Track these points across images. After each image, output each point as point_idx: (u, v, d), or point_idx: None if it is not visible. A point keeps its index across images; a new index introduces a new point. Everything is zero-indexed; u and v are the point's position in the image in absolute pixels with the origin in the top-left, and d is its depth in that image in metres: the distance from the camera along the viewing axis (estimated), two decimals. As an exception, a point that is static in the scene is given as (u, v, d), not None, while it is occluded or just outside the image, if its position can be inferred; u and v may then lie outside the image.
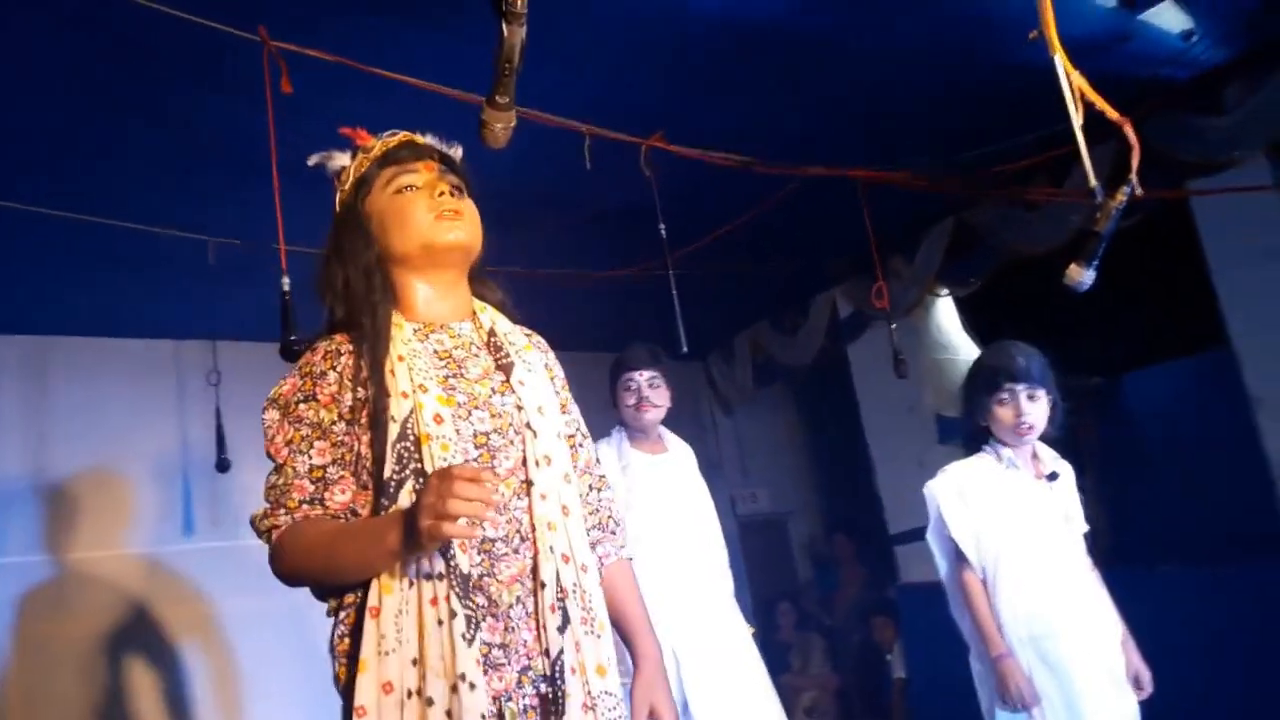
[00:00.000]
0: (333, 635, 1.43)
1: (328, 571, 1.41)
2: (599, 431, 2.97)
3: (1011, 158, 4.05)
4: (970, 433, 2.75)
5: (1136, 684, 2.43)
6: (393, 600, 1.34)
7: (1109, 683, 2.39)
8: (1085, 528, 2.63)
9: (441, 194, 1.52)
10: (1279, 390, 4.04)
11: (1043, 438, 2.69)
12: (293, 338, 2.51)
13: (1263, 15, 3.67)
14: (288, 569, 1.43)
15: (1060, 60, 2.01)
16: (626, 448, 3.23)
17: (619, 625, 1.63)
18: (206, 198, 3.76)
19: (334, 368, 1.47)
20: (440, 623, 1.32)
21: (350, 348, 1.48)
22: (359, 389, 1.43)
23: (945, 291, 5.72)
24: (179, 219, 3.82)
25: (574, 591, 1.44)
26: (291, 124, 2.73)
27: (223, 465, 4.13)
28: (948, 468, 2.70)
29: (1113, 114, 2.03)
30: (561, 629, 1.41)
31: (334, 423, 1.44)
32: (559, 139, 3.17)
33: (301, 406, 1.46)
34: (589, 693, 1.40)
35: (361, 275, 1.51)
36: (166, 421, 4.85)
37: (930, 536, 2.69)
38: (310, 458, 1.44)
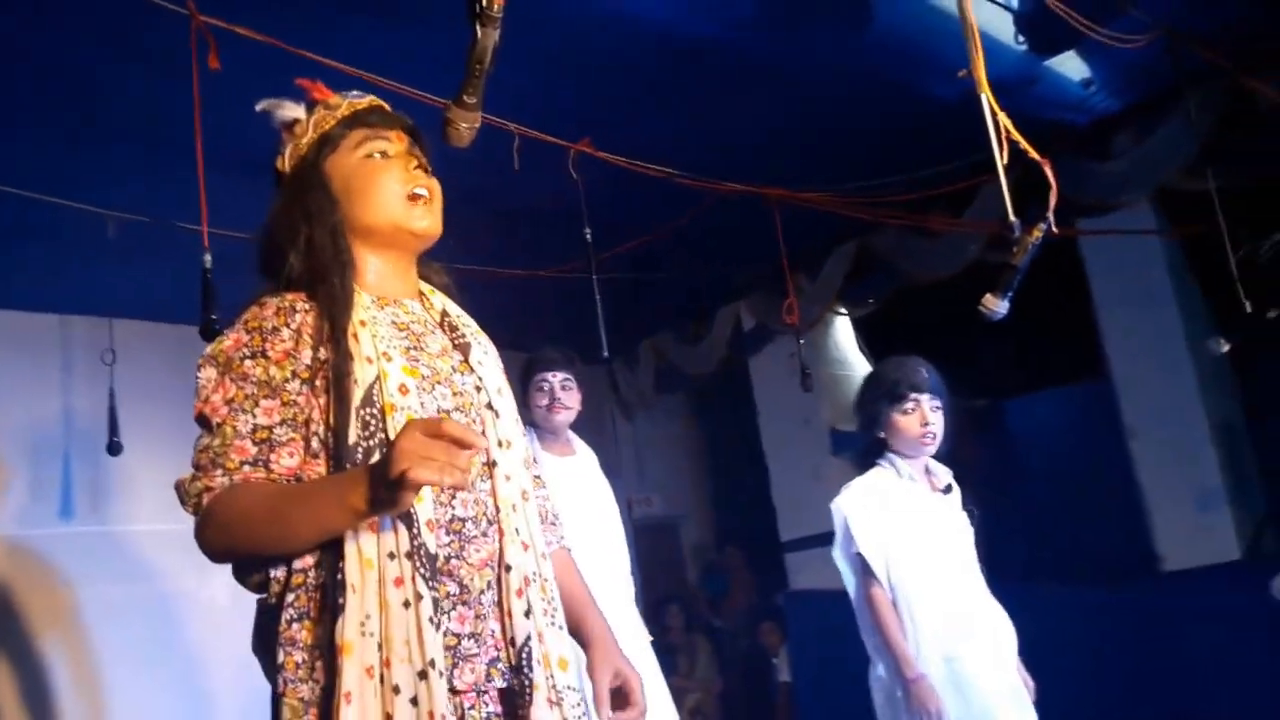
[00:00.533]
0: (276, 620, 1.28)
1: (269, 538, 1.27)
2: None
3: (916, 186, 4.22)
4: (866, 446, 2.77)
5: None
6: (373, 576, 1.24)
7: (1011, 699, 2.45)
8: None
9: (416, 168, 1.46)
10: (1153, 422, 4.32)
11: (935, 454, 2.72)
12: (213, 317, 2.45)
13: (1152, 71, 3.92)
14: (219, 537, 1.28)
15: (987, 99, 2.12)
16: (537, 448, 3.20)
17: (566, 608, 1.53)
18: (111, 171, 3.62)
19: (288, 324, 1.35)
20: (406, 604, 1.23)
21: (307, 306, 1.37)
22: (320, 348, 1.33)
23: (844, 310, 5.91)
24: (80, 191, 3.66)
25: (534, 579, 1.38)
26: (212, 104, 2.68)
27: (114, 448, 3.93)
28: (852, 484, 2.71)
29: (1033, 153, 2.15)
30: (527, 614, 1.34)
31: (286, 380, 1.32)
32: (486, 136, 3.17)
33: (248, 363, 1.33)
34: (554, 686, 1.34)
35: (327, 234, 1.41)
36: (49, 399, 4.64)
37: (836, 553, 2.67)
38: (255, 417, 1.31)
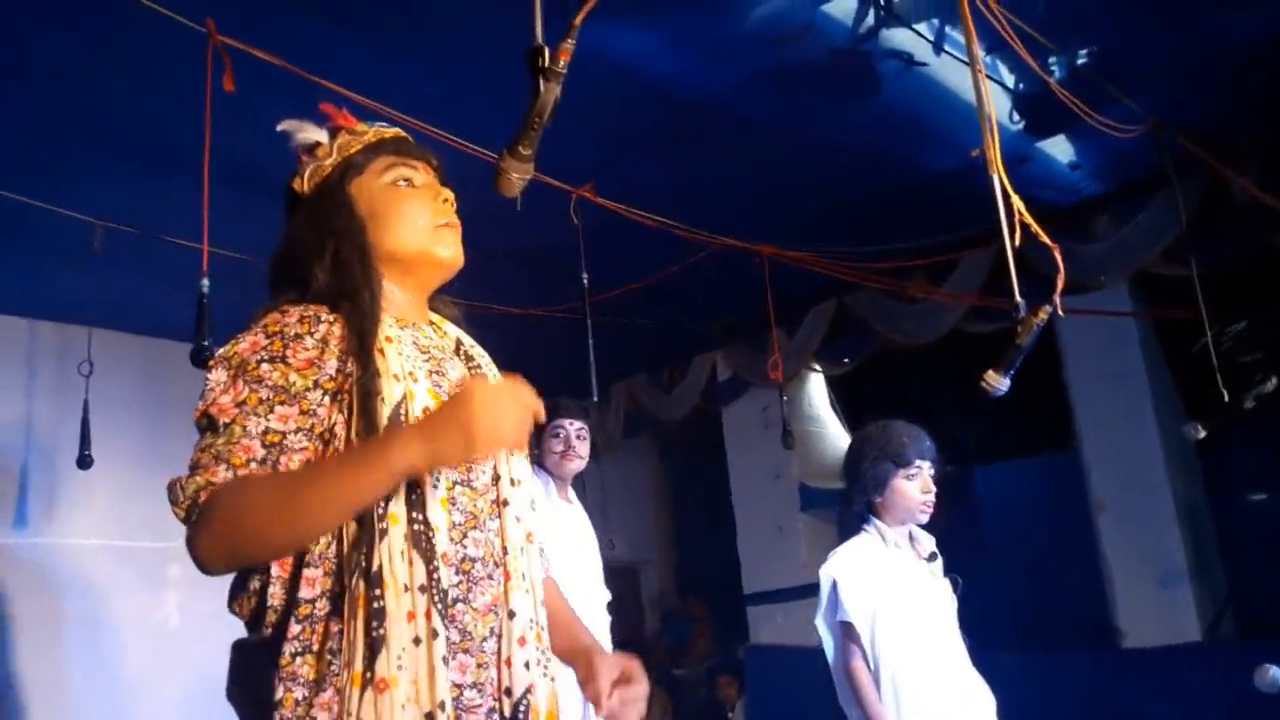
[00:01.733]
0: (274, 654, 1.19)
1: (283, 523, 1.17)
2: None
3: (908, 254, 4.30)
4: (854, 513, 2.74)
5: None
6: (405, 607, 1.17)
7: None
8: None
9: (445, 201, 1.43)
10: (1119, 496, 4.40)
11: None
12: (205, 343, 2.41)
13: (1137, 158, 4.04)
14: (221, 534, 1.18)
15: (1000, 180, 2.16)
16: (552, 492, 3.26)
17: (558, 628, 1.46)
18: (99, 180, 3.59)
19: (312, 332, 1.29)
20: (417, 641, 1.17)
21: (331, 317, 1.31)
22: (347, 361, 1.27)
23: (819, 368, 5.96)
24: (63, 197, 3.62)
25: (533, 626, 1.33)
26: (222, 124, 2.67)
27: (84, 462, 3.82)
28: (840, 549, 2.66)
29: (1044, 238, 2.20)
30: (527, 665, 1.29)
31: (307, 389, 1.25)
32: (485, 173, 3.19)
33: (265, 367, 1.25)
34: None
35: (355, 250, 1.37)
36: (12, 404, 4.55)
37: (819, 621, 2.64)
38: (267, 421, 1.23)
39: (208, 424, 1.26)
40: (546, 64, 1.37)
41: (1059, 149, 4.03)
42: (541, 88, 1.37)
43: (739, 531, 5.94)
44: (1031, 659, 4.31)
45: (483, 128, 3.05)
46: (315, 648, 1.19)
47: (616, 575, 7.43)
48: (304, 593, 1.21)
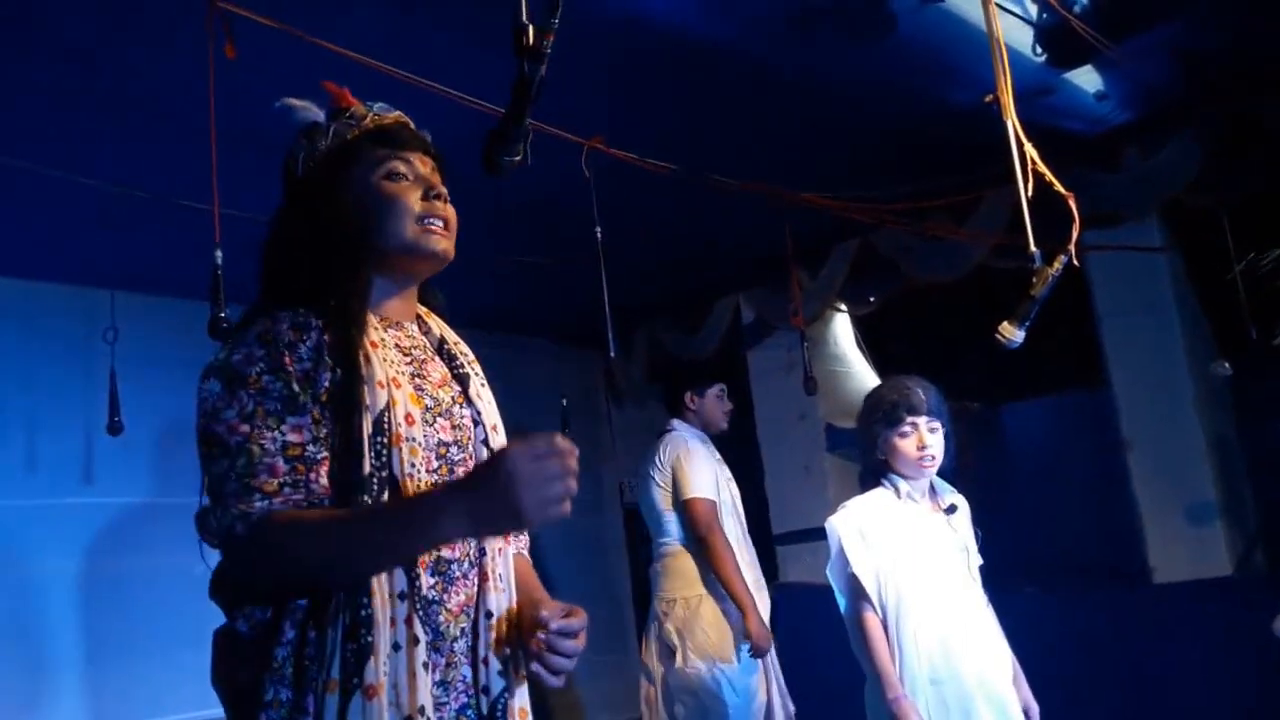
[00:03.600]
0: (266, 654, 1.20)
1: (329, 570, 1.18)
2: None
3: (924, 195, 4.22)
4: (869, 467, 2.77)
5: (1026, 717, 2.57)
6: (389, 615, 1.20)
7: None
8: (980, 561, 2.73)
9: (436, 196, 1.42)
10: (1149, 435, 4.34)
11: (939, 472, 2.73)
12: (222, 315, 2.42)
13: (1164, 87, 3.92)
14: (265, 571, 1.19)
15: (1013, 128, 2.11)
16: (712, 447, 3.98)
17: (522, 590, 1.46)
18: (114, 146, 3.59)
19: (304, 341, 1.27)
20: (397, 647, 1.19)
21: (318, 321, 1.30)
22: (336, 370, 1.26)
23: (844, 308, 5.91)
24: (80, 164, 3.63)
25: (507, 627, 1.36)
26: (226, 87, 2.65)
27: (114, 428, 3.87)
28: (848, 504, 2.71)
29: (1058, 186, 2.15)
30: (501, 670, 1.32)
31: (308, 403, 1.24)
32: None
33: (266, 378, 1.24)
34: None
35: (342, 249, 1.36)
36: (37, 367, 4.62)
37: (830, 573, 2.67)
38: (283, 434, 1.21)
39: (216, 444, 1.24)
40: (530, 43, 1.33)
41: (1085, 79, 3.91)
42: (526, 68, 1.34)
43: (766, 472, 5.95)
44: (1059, 596, 4.32)
45: (491, 85, 3.03)
46: (299, 651, 1.21)
47: (641, 520, 7.53)
48: (297, 598, 1.23)
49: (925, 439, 2.61)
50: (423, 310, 1.53)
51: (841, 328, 6.11)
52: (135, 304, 4.61)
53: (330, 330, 1.30)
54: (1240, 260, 3.45)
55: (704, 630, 3.63)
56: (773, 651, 3.63)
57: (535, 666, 1.31)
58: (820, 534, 5.65)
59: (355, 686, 1.16)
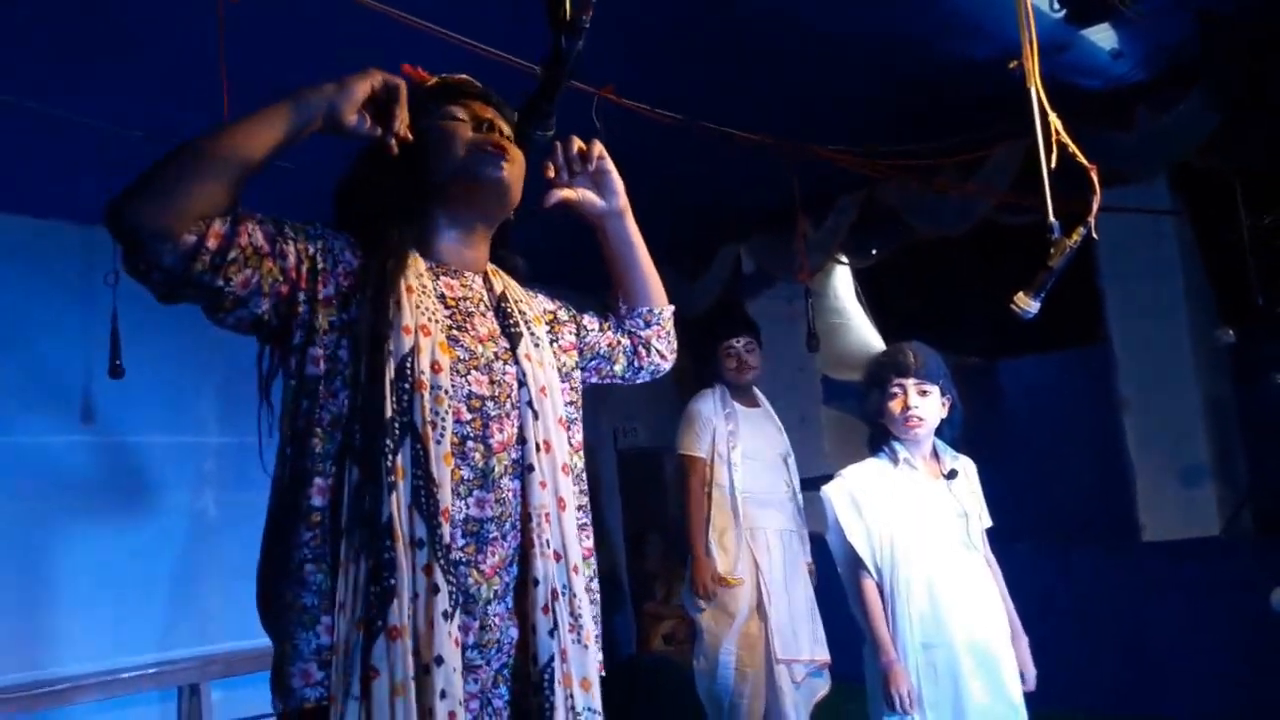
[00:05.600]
0: (289, 559, 1.24)
1: (215, 149, 1.22)
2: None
3: (938, 153, 4.19)
4: (874, 435, 2.79)
5: (1022, 678, 2.61)
6: (409, 556, 1.22)
7: (996, 688, 2.50)
8: (989, 523, 2.76)
9: (490, 128, 1.43)
10: (1146, 395, 4.38)
11: (943, 438, 2.75)
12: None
13: (1180, 47, 3.87)
14: (143, 175, 1.20)
15: (1036, 95, 2.08)
16: (730, 399, 3.96)
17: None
18: (119, 89, 3.54)
19: (330, 248, 1.34)
20: (417, 596, 1.20)
21: (350, 243, 1.37)
22: (344, 285, 1.32)
23: (845, 260, 5.89)
24: (84, 105, 3.58)
25: (563, 593, 1.34)
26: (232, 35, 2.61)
27: (116, 371, 3.83)
28: (843, 472, 2.74)
29: (1081, 158, 2.13)
30: (551, 633, 1.31)
31: (294, 268, 1.30)
32: (512, 80, 3.11)
33: (269, 225, 1.31)
34: (573, 708, 1.31)
35: (400, 187, 1.43)
36: (39, 306, 4.60)
37: (828, 537, 2.72)
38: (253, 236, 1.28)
39: None
40: (569, 17, 1.30)
41: (1102, 36, 3.86)
42: (563, 42, 1.31)
43: (766, 422, 5.98)
44: (1050, 551, 4.39)
45: (513, 41, 2.98)
46: (325, 564, 1.23)
47: (639, 460, 7.59)
48: (315, 500, 1.24)
49: (910, 400, 2.62)
50: (493, 268, 1.52)
51: (841, 280, 6.11)
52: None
53: (367, 259, 1.34)
54: (1250, 221, 3.43)
55: (685, 578, 3.83)
56: (777, 597, 3.66)
57: (598, 175, 1.55)
58: (816, 484, 5.73)
59: (379, 629, 1.18)
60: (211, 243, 1.22)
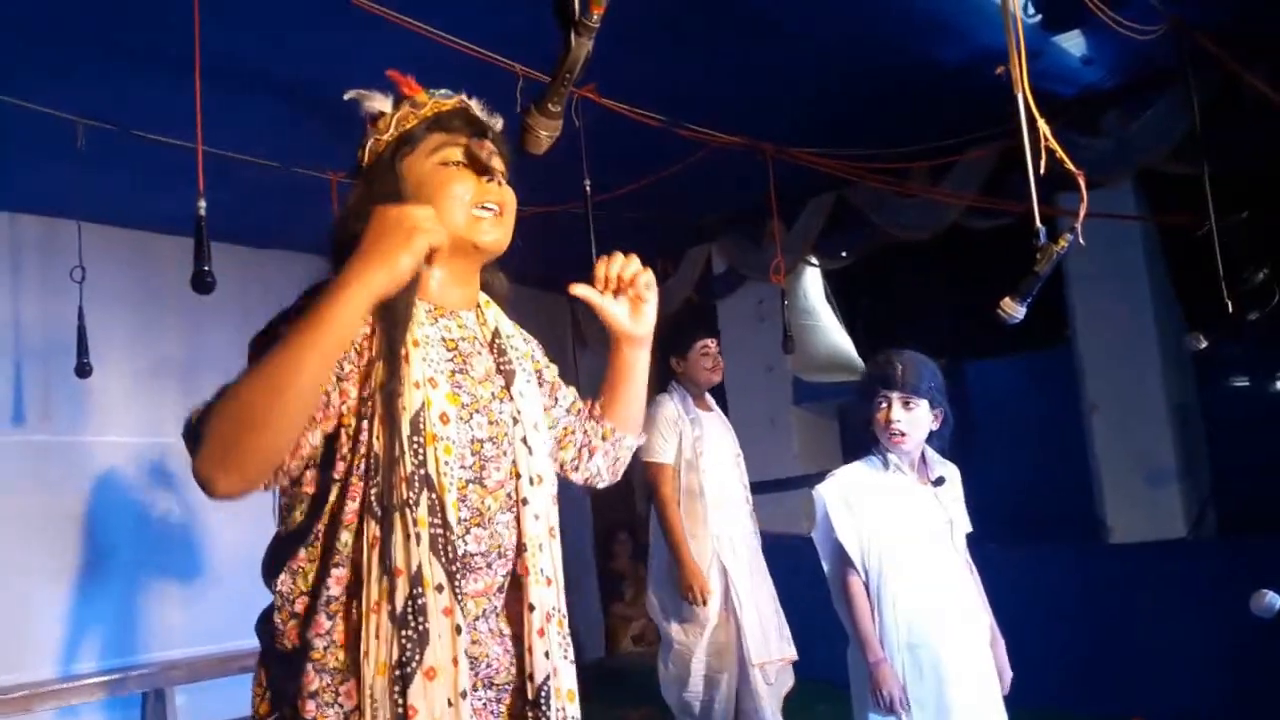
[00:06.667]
0: (305, 632, 1.28)
1: (268, 387, 1.17)
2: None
3: (916, 156, 4.23)
4: (868, 438, 2.80)
5: (1000, 682, 2.63)
6: (436, 600, 1.27)
7: (979, 689, 2.52)
8: (969, 528, 2.78)
9: (489, 181, 1.42)
10: (1113, 398, 4.44)
11: (933, 446, 2.74)
12: (205, 268, 2.34)
13: (1150, 54, 3.93)
14: (213, 432, 1.17)
15: (1024, 99, 2.10)
16: (690, 402, 3.89)
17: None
18: (85, 77, 3.47)
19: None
20: (440, 636, 1.27)
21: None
22: (362, 360, 1.31)
23: (816, 261, 5.92)
24: (49, 95, 3.50)
25: (554, 614, 1.42)
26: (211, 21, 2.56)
27: (83, 370, 3.71)
28: (835, 472, 2.75)
29: (1069, 164, 2.15)
30: (547, 653, 1.39)
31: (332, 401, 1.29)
32: (487, 74, 3.09)
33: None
34: (564, 719, 1.39)
35: None
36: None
37: (815, 535, 2.72)
38: None
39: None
40: (578, 17, 1.28)
41: (1072, 43, 3.92)
42: (573, 42, 1.29)
43: (732, 423, 5.98)
44: (1017, 552, 4.43)
45: (492, 36, 2.97)
46: (341, 640, 1.27)
47: (607, 461, 7.59)
48: (333, 590, 1.28)
49: (894, 414, 2.62)
50: (484, 299, 1.53)
51: (811, 281, 6.14)
52: (102, 235, 4.51)
53: (376, 324, 1.32)
54: (1214, 230, 3.49)
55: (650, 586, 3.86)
56: (746, 600, 3.67)
57: (636, 300, 1.57)
58: (785, 485, 5.76)
59: (416, 669, 1.23)
60: (284, 479, 1.29)
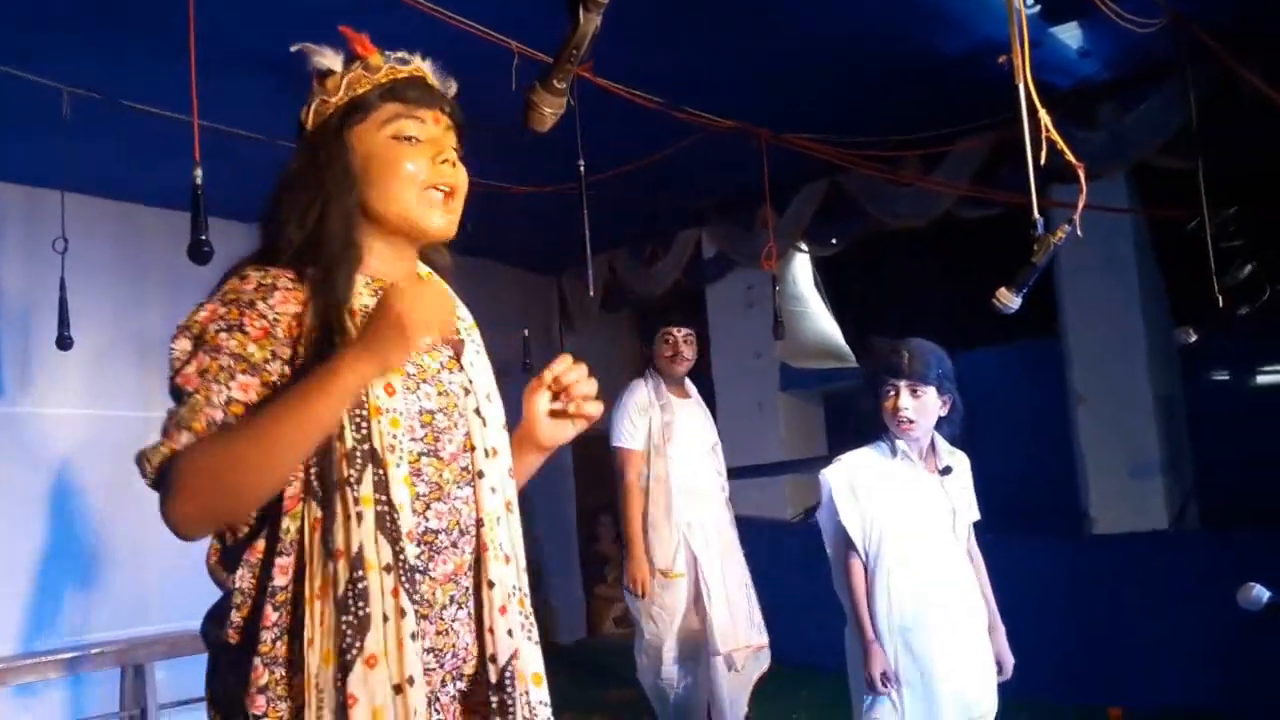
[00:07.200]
0: (256, 639, 1.21)
1: (252, 465, 1.18)
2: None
3: (914, 144, 4.22)
4: (875, 425, 2.79)
5: (1000, 669, 2.66)
6: (379, 581, 1.21)
7: (970, 675, 2.55)
8: (976, 516, 2.79)
9: (444, 161, 1.34)
10: (1100, 390, 4.46)
11: (943, 433, 2.75)
12: (203, 238, 2.31)
13: (1146, 48, 3.93)
14: (190, 489, 1.17)
15: (1025, 90, 2.08)
16: (663, 389, 3.81)
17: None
18: (72, 46, 3.41)
19: (266, 299, 1.26)
20: (386, 619, 1.20)
21: (290, 284, 1.28)
22: (304, 336, 1.25)
23: (806, 248, 5.91)
24: (34, 64, 3.44)
25: (514, 593, 1.36)
26: None
27: (64, 343, 3.68)
28: (843, 457, 2.76)
29: (1070, 156, 2.14)
30: (509, 632, 1.33)
31: (266, 361, 1.24)
32: (480, 51, 3.05)
33: (223, 335, 1.23)
34: (528, 703, 1.33)
35: (340, 218, 1.31)
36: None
37: (820, 516, 2.76)
38: (229, 390, 1.21)
39: (176, 395, 1.24)
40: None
41: (1069, 35, 3.92)
42: (581, 19, 1.26)
43: (719, 409, 5.95)
44: (1001, 542, 4.43)
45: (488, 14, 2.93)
46: (289, 629, 1.21)
47: (591, 443, 7.54)
48: (278, 580, 1.22)
49: (901, 401, 2.63)
50: (425, 271, 1.45)
51: (800, 268, 6.13)
52: (86, 206, 4.44)
53: (312, 300, 1.27)
54: (1205, 224, 3.49)
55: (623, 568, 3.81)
56: (715, 589, 3.64)
57: (575, 413, 1.42)
58: (771, 470, 5.77)
59: (356, 657, 1.18)
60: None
